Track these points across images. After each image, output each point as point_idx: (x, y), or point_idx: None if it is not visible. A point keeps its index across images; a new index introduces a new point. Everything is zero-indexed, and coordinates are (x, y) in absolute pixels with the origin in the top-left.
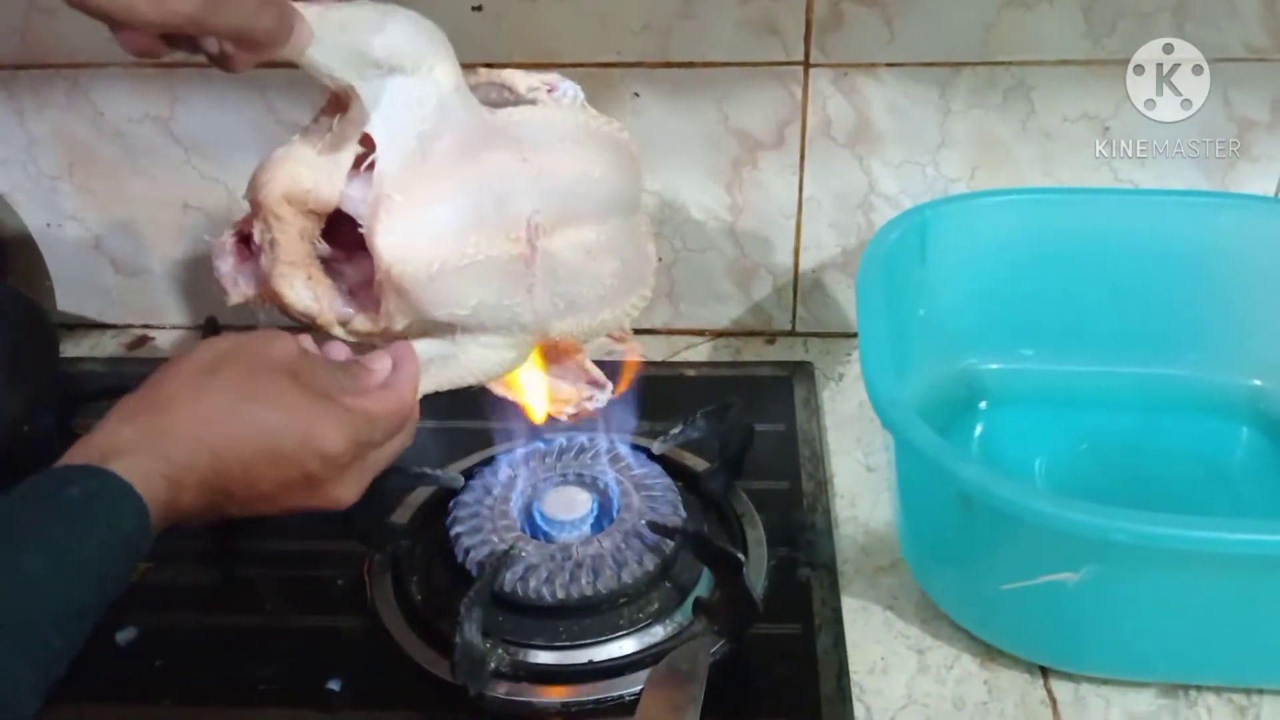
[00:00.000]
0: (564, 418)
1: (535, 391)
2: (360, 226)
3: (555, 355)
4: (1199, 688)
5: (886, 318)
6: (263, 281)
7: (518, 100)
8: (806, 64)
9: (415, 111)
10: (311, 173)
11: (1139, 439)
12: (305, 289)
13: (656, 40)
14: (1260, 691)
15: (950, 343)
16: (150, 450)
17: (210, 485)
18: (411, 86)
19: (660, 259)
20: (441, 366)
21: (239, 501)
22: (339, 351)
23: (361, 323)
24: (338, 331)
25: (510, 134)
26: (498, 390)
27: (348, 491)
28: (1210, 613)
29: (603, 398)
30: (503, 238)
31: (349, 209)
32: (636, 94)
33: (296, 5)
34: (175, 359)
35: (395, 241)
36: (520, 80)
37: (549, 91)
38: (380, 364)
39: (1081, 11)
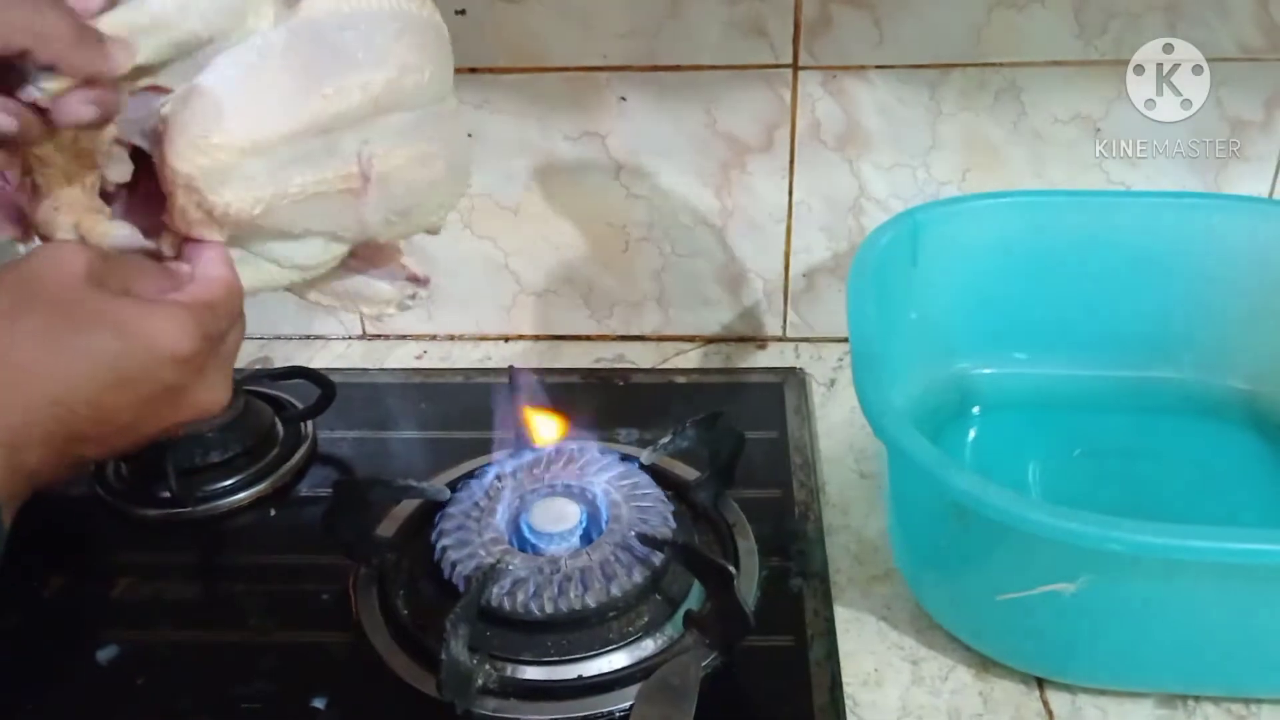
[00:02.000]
0: (386, 315)
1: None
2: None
3: (372, 255)
4: (1197, 698)
5: (877, 322)
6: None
7: None
8: (795, 66)
9: (214, 23)
10: None
11: (1133, 443)
12: (70, 234)
13: (643, 43)
14: (1259, 701)
15: (942, 347)
16: None
17: (59, 436)
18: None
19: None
20: (253, 269)
21: (97, 441)
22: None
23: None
24: None
25: (336, 47)
26: (310, 297)
27: (215, 393)
28: (1208, 622)
29: (424, 294)
30: (333, 174)
31: (130, 136)
32: (623, 98)
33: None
34: None
35: (202, 182)
36: None
37: None
38: (183, 263)
39: (1072, 12)
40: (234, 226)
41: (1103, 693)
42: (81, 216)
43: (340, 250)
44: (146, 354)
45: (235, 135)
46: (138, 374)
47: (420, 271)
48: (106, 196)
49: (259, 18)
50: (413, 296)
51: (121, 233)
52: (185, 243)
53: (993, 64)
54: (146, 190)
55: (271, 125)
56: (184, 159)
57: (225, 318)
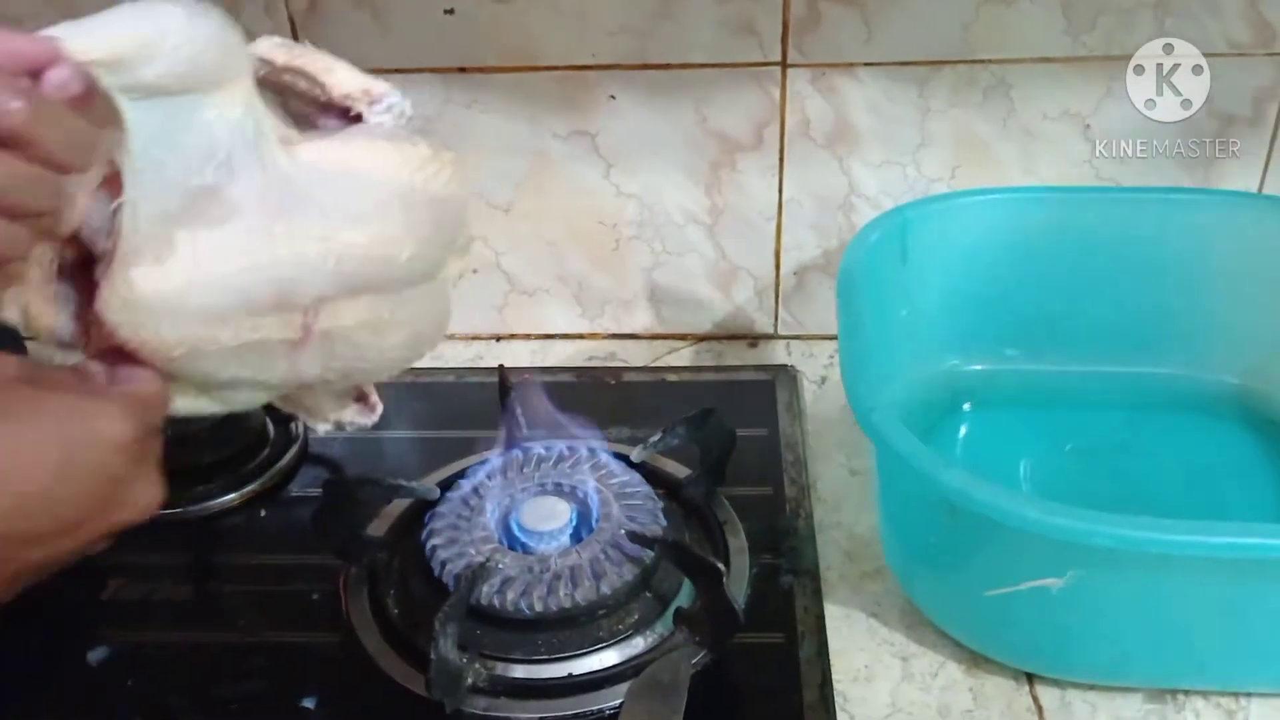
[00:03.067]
0: (320, 430)
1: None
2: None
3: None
4: (1186, 692)
5: (867, 320)
6: None
7: (326, 103)
8: (784, 64)
9: (186, 150)
10: None
11: (1124, 438)
12: (14, 316)
13: (633, 42)
14: (1249, 695)
15: (933, 344)
16: None
17: (8, 538)
18: (185, 113)
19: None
20: (179, 393)
21: (42, 543)
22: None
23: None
24: (54, 354)
25: (308, 193)
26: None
27: (153, 490)
28: (1197, 616)
29: (367, 422)
30: (275, 324)
31: (86, 237)
32: (613, 96)
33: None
34: None
35: (127, 316)
36: (336, 79)
37: (370, 104)
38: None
39: (1061, 8)
40: (152, 362)
41: (1092, 687)
42: (32, 299)
43: (265, 398)
44: (90, 440)
45: (172, 278)
46: (83, 460)
47: (373, 400)
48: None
49: (231, 93)
50: (352, 424)
51: (64, 330)
52: (110, 351)
53: (982, 61)
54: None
55: (216, 266)
56: (114, 290)
57: (156, 412)
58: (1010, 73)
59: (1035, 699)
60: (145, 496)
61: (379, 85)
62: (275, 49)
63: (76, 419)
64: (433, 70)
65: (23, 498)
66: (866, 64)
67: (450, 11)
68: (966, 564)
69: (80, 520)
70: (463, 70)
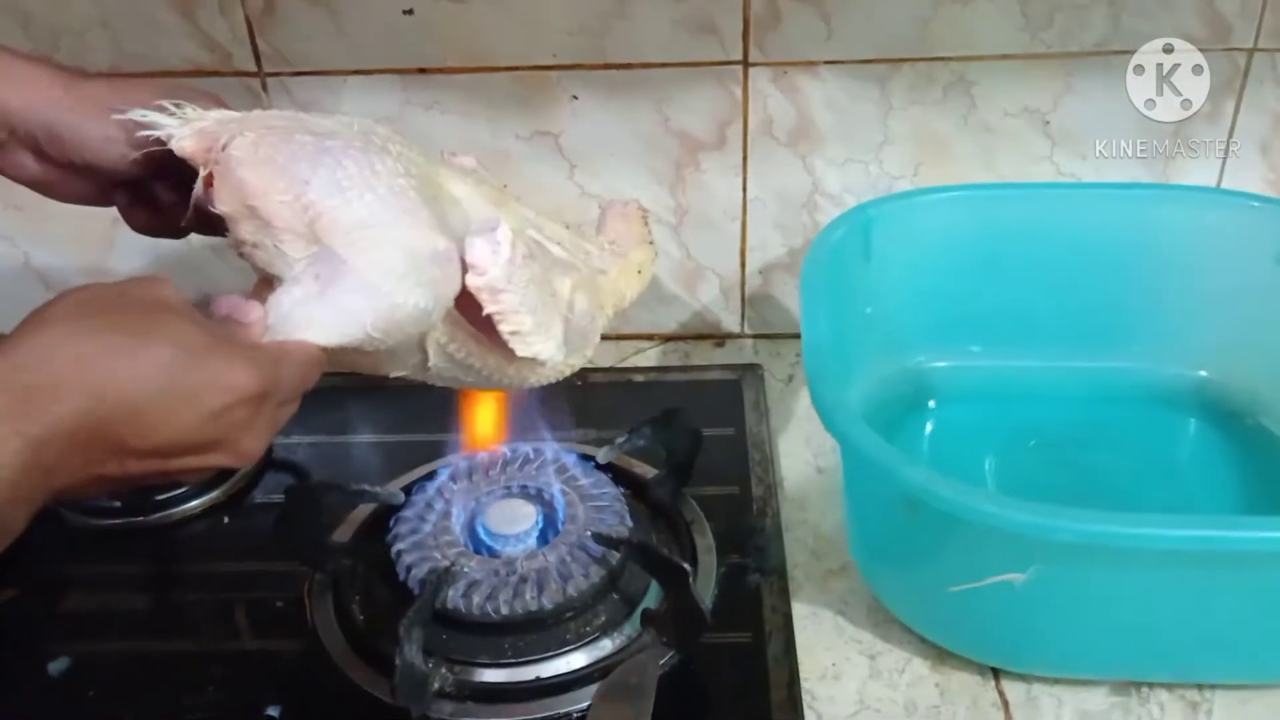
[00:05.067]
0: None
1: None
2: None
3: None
4: (1151, 685)
5: (831, 317)
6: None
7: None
8: (745, 63)
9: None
10: None
11: (1087, 432)
12: None
13: (592, 41)
14: (1212, 687)
15: (897, 341)
16: (8, 411)
17: (86, 436)
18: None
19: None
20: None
21: (122, 457)
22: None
23: None
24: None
25: None
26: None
27: (256, 441)
28: (1159, 609)
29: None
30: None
31: None
32: (575, 96)
33: None
34: (40, 309)
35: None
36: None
37: None
38: (252, 315)
39: (1019, 5)
40: None
41: (1057, 681)
42: None
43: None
44: (206, 376)
45: None
46: (190, 392)
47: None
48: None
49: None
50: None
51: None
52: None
53: (941, 58)
54: None
55: None
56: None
57: (292, 381)
58: (970, 70)
59: (1001, 693)
60: (247, 444)
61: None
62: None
63: (200, 355)
64: (392, 71)
65: (108, 403)
66: (827, 62)
67: (409, 12)
68: (930, 560)
69: (164, 448)
70: (422, 71)
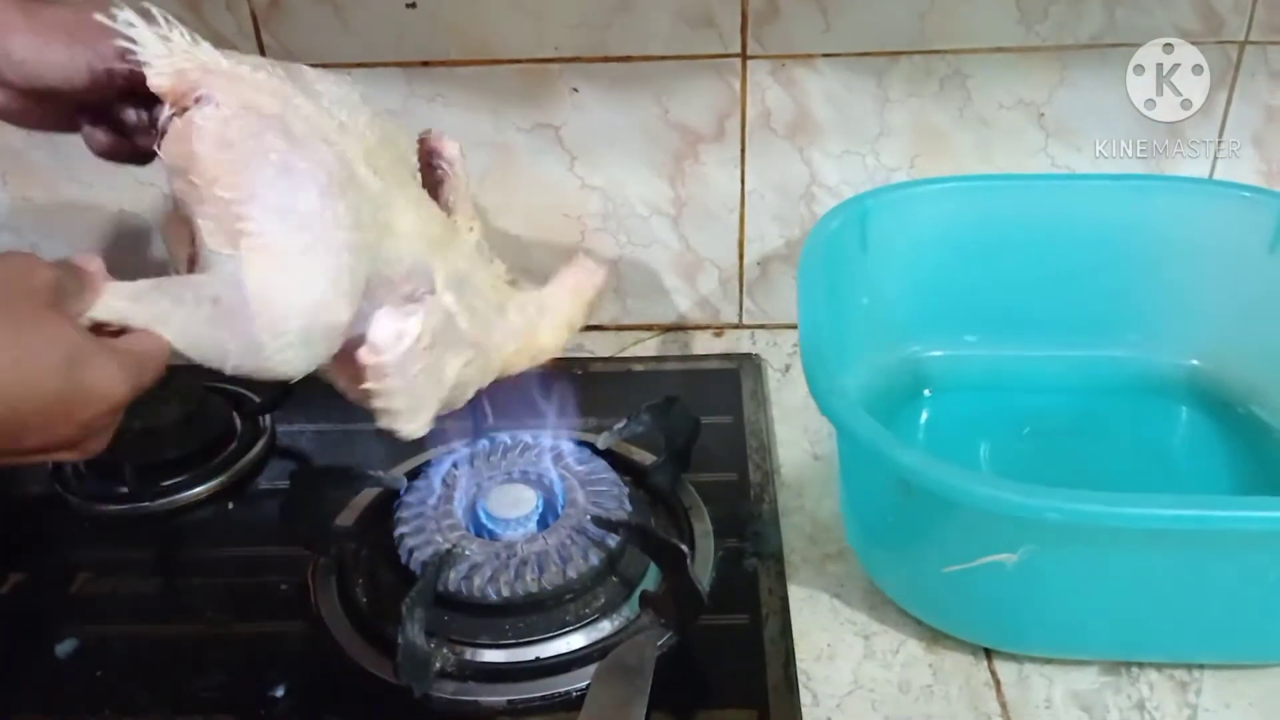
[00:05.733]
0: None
1: None
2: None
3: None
4: (1141, 664)
5: (827, 307)
6: None
7: None
8: (744, 56)
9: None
10: None
11: (1081, 421)
12: None
13: (594, 34)
14: (1201, 667)
15: (893, 331)
16: None
17: None
18: None
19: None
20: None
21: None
22: (90, 263)
23: None
24: None
25: None
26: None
27: (102, 443)
28: (1148, 589)
29: None
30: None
31: None
32: (575, 89)
33: None
34: None
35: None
36: None
37: None
38: (92, 264)
39: None
40: None
41: (1049, 661)
42: None
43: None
44: (85, 389)
45: None
46: (67, 407)
47: None
48: None
49: None
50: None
51: None
52: None
53: (938, 51)
54: None
55: None
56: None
57: (151, 375)
58: (966, 63)
59: (993, 673)
60: (97, 444)
61: None
62: None
63: (81, 365)
64: (395, 64)
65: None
66: (825, 55)
67: (412, 5)
68: (923, 542)
69: (35, 450)
70: (425, 64)
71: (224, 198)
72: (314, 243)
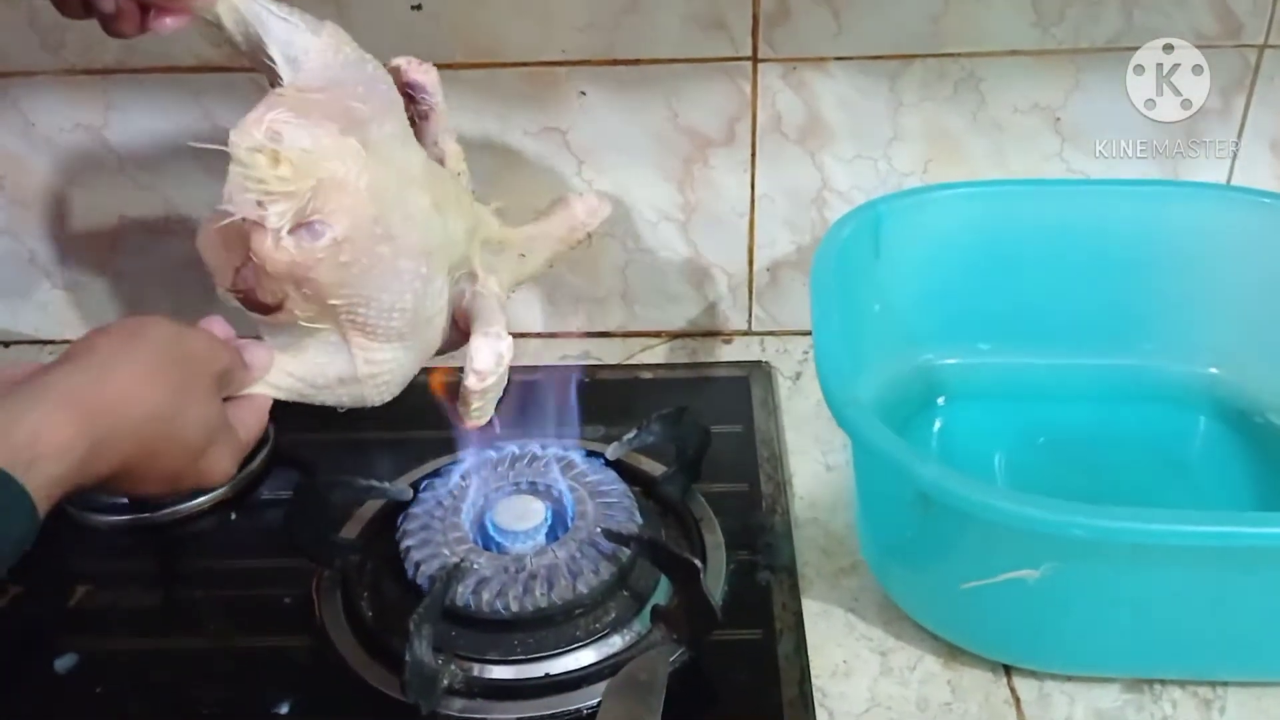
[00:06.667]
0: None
1: None
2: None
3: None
4: (1164, 682)
5: (841, 315)
6: None
7: None
8: (755, 59)
9: None
10: None
11: (1097, 430)
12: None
13: (602, 37)
14: (1225, 684)
15: (906, 338)
16: (82, 432)
17: (116, 474)
18: None
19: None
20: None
21: (118, 478)
22: (217, 326)
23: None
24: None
25: None
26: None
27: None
28: (1172, 606)
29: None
30: None
31: None
32: (583, 93)
33: None
34: (133, 333)
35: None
36: None
37: None
38: (259, 360)
39: (1030, 1)
40: None
41: (1070, 678)
42: None
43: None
44: (200, 467)
45: None
46: (180, 475)
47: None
48: None
49: None
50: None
51: None
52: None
53: (951, 54)
54: None
55: None
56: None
57: (247, 449)
58: (980, 66)
59: (1013, 690)
60: (211, 478)
61: None
62: None
63: (207, 443)
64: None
65: (144, 465)
66: (837, 58)
67: (417, 7)
68: (942, 557)
69: (144, 478)
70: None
71: (336, 304)
72: (417, 322)
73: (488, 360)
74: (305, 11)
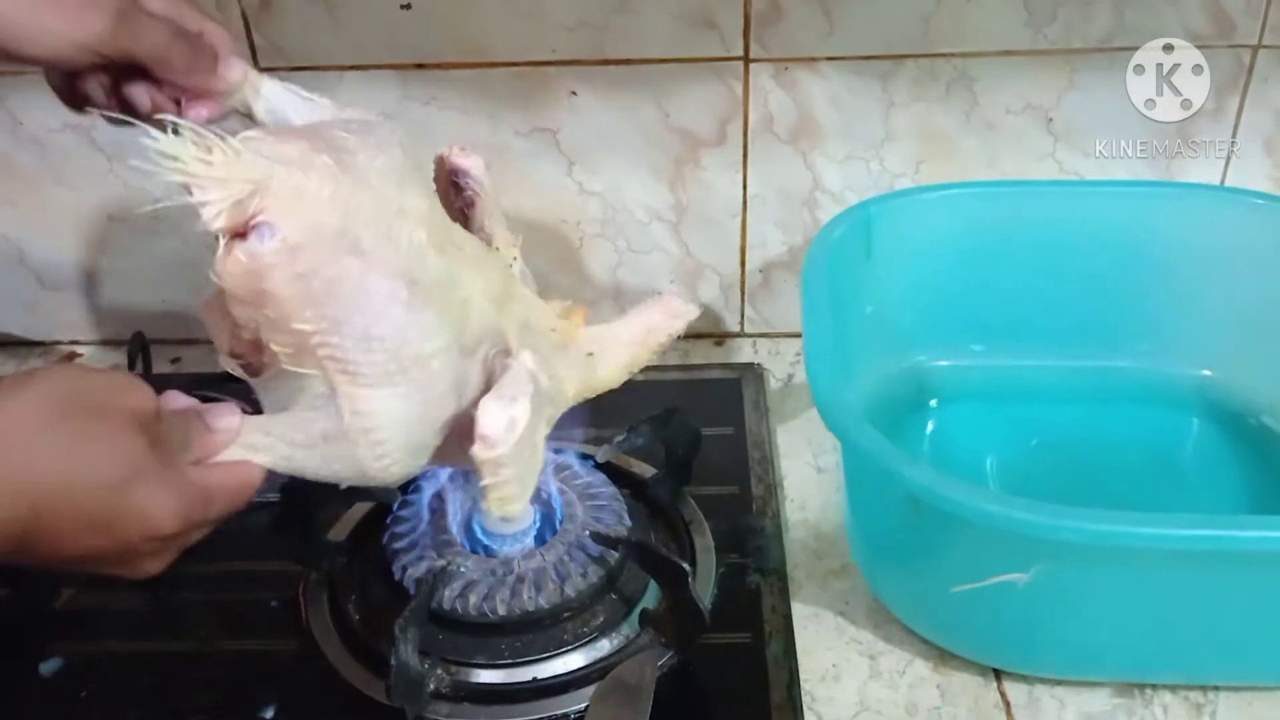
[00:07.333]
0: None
1: None
2: None
3: None
4: (1154, 686)
5: (832, 316)
6: None
7: None
8: (746, 59)
9: None
10: None
11: (1090, 432)
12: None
13: (592, 37)
14: (1216, 688)
15: (899, 340)
16: None
17: (11, 535)
18: None
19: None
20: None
21: (39, 557)
22: (178, 400)
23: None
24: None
25: None
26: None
27: (157, 566)
28: (1163, 609)
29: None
30: None
31: None
32: (574, 93)
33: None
34: (21, 384)
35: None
36: None
37: None
38: (224, 422)
39: (1022, 1)
40: None
41: (1060, 682)
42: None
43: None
44: (135, 512)
45: None
46: (115, 524)
47: None
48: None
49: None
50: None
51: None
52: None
53: (944, 54)
54: None
55: None
56: None
57: (216, 511)
58: (972, 66)
59: (1003, 695)
60: (147, 568)
61: None
62: None
63: (139, 489)
64: (389, 67)
65: (48, 523)
66: (829, 58)
67: (407, 6)
68: (932, 560)
69: (77, 561)
70: (420, 67)
71: (304, 330)
72: (404, 364)
73: (495, 424)
74: (294, 13)
